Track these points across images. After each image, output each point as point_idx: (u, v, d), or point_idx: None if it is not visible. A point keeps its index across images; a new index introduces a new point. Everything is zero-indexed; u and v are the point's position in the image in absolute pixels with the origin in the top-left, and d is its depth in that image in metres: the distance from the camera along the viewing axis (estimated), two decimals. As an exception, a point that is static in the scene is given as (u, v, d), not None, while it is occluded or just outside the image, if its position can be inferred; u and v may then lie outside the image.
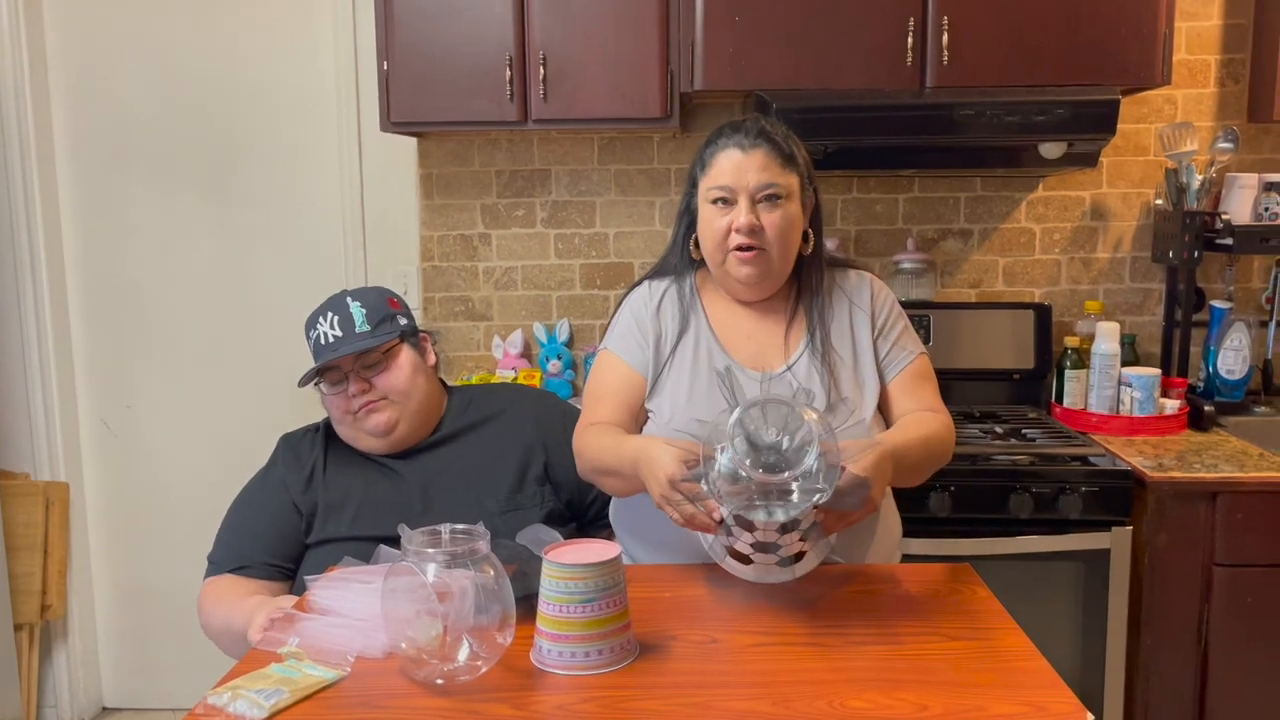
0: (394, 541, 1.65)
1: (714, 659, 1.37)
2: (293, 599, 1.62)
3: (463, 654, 1.30)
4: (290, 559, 1.86)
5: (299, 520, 1.86)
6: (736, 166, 1.66)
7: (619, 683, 1.30)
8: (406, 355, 1.93)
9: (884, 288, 1.81)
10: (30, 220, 3.03)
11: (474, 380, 2.91)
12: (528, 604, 1.37)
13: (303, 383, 1.91)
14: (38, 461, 3.10)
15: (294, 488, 1.89)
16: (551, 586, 1.32)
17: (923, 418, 1.69)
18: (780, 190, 1.66)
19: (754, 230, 1.64)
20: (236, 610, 1.68)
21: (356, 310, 1.89)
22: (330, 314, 1.90)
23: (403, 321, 1.95)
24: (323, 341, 1.89)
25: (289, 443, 1.99)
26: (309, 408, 2.21)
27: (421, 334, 2.00)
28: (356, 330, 1.88)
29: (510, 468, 1.91)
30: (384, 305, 1.93)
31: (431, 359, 2.01)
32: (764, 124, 1.70)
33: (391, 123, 2.64)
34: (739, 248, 1.66)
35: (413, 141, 2.97)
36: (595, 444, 1.68)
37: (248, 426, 3.07)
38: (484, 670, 1.31)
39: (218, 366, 3.15)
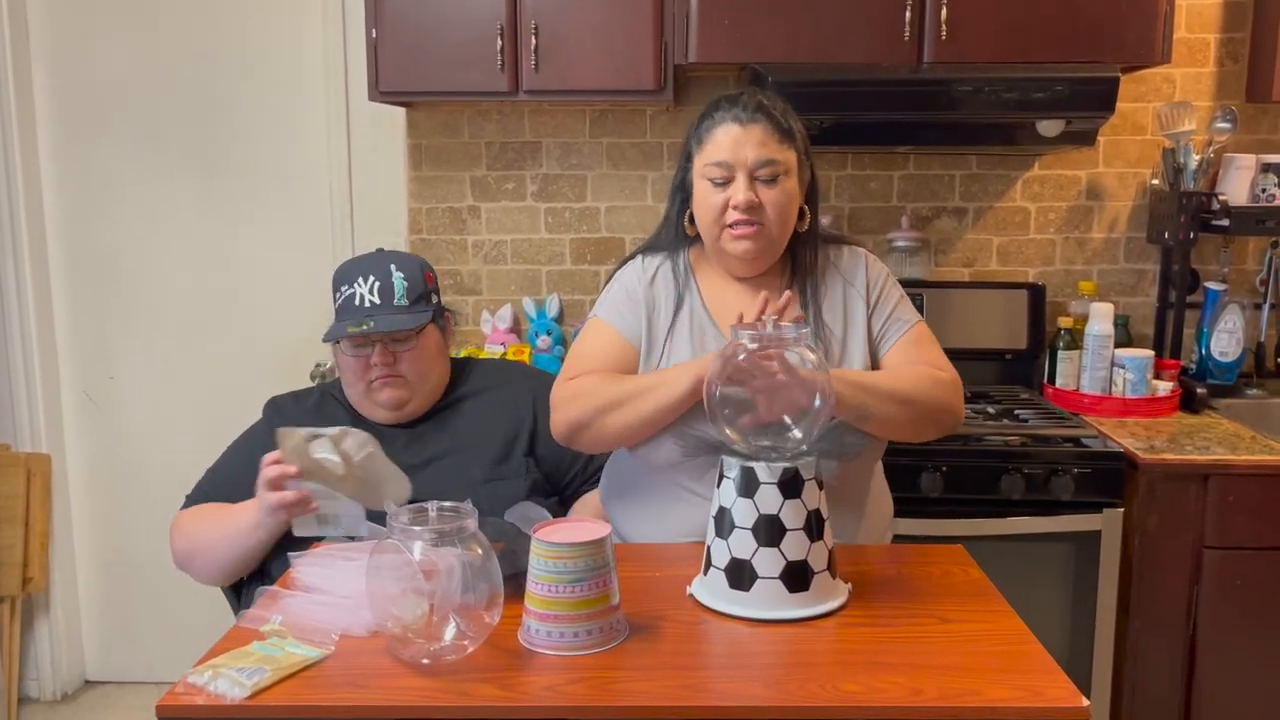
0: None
1: (705, 640, 1.35)
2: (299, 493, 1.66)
3: (449, 633, 1.28)
4: None
5: None
6: (735, 141, 1.62)
7: (608, 663, 1.28)
8: (433, 337, 1.92)
9: (878, 263, 1.78)
10: (11, 190, 2.97)
11: (462, 354, 2.88)
12: (515, 582, 1.35)
13: (329, 338, 1.88)
14: (19, 433, 3.07)
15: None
16: (540, 565, 1.30)
17: (904, 369, 1.66)
18: (779, 167, 1.62)
19: (752, 207, 1.61)
20: (234, 513, 1.71)
21: (399, 281, 1.87)
22: (372, 277, 1.87)
23: (435, 300, 1.94)
24: (358, 303, 1.86)
25: (275, 405, 1.98)
26: (293, 379, 2.19)
27: (445, 312, 2.00)
28: (395, 302, 1.86)
29: (498, 438, 1.91)
30: (423, 280, 1.91)
31: (450, 339, 2.01)
32: (761, 98, 1.66)
33: (380, 92, 2.60)
34: (736, 224, 1.62)
35: (401, 112, 2.93)
36: (596, 385, 1.62)
37: (231, 399, 3.03)
38: (471, 650, 1.28)
39: (201, 338, 3.11)
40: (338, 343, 1.90)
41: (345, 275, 1.90)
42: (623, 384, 1.61)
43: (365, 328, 1.83)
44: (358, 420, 1.93)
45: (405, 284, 1.87)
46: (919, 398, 1.62)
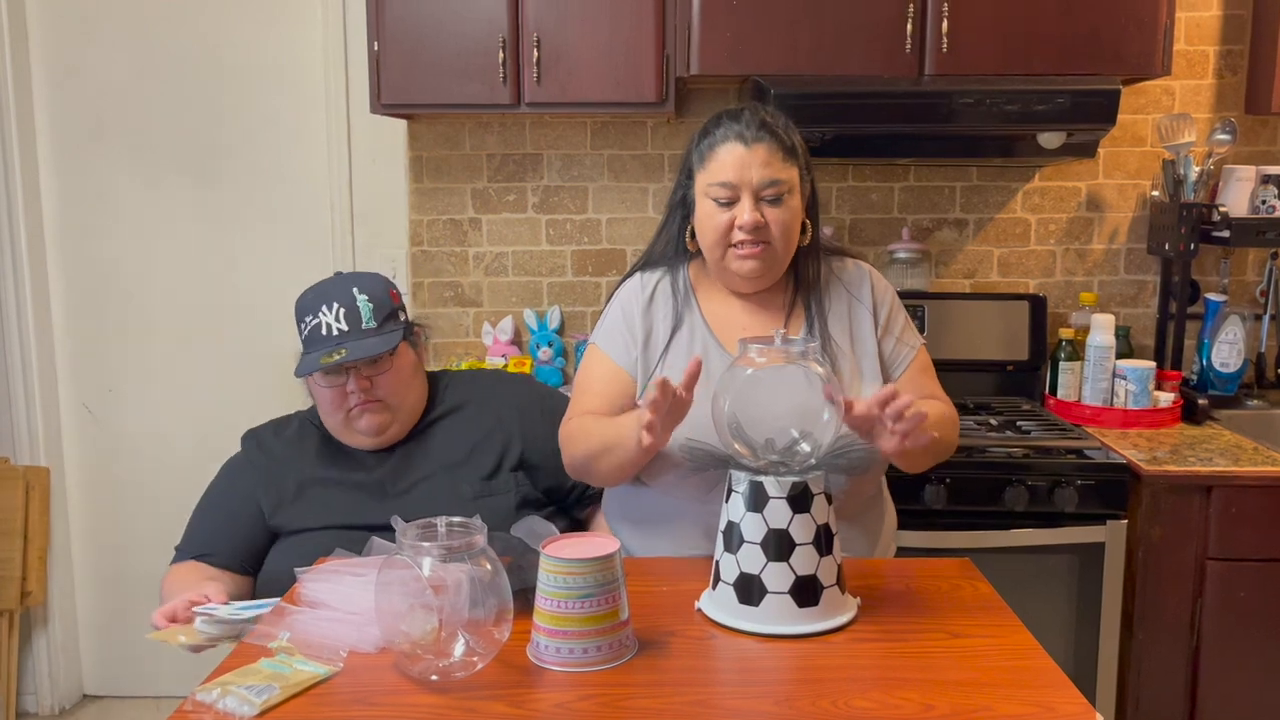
0: (371, 530, 1.63)
1: (714, 655, 1.35)
2: (216, 585, 1.60)
3: (458, 649, 1.27)
4: (253, 554, 1.83)
5: (261, 516, 1.82)
6: (739, 162, 1.60)
7: (618, 680, 1.27)
8: (406, 355, 1.88)
9: (882, 279, 1.78)
10: (11, 201, 2.97)
11: (463, 366, 2.88)
12: (523, 597, 1.34)
13: (301, 373, 1.83)
14: (18, 445, 3.05)
15: (259, 482, 1.85)
16: (549, 581, 1.30)
17: (934, 406, 1.66)
18: (784, 186, 1.61)
19: (758, 227, 1.60)
20: (188, 585, 1.65)
21: (364, 304, 1.81)
22: (335, 304, 1.81)
23: (402, 317, 1.89)
24: (324, 332, 1.80)
25: (254, 438, 1.94)
26: (292, 393, 2.16)
27: (415, 327, 1.96)
28: (362, 326, 1.80)
29: (486, 455, 1.87)
30: (388, 299, 1.86)
31: (424, 354, 1.98)
32: (764, 115, 1.65)
33: (381, 104, 2.60)
34: (741, 243, 1.61)
35: (403, 124, 2.92)
36: (585, 430, 1.64)
37: (231, 411, 3.00)
38: (480, 666, 1.28)
39: (201, 350, 3.10)
40: (309, 375, 1.84)
41: (307, 306, 1.84)
42: (600, 433, 1.60)
43: (338, 357, 1.76)
44: (339, 448, 1.88)
45: (370, 306, 1.82)
46: (944, 439, 1.64)
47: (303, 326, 1.85)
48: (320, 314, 1.81)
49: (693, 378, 1.43)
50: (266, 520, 1.82)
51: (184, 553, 1.84)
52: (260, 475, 1.86)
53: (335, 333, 1.79)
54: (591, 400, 1.69)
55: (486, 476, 1.85)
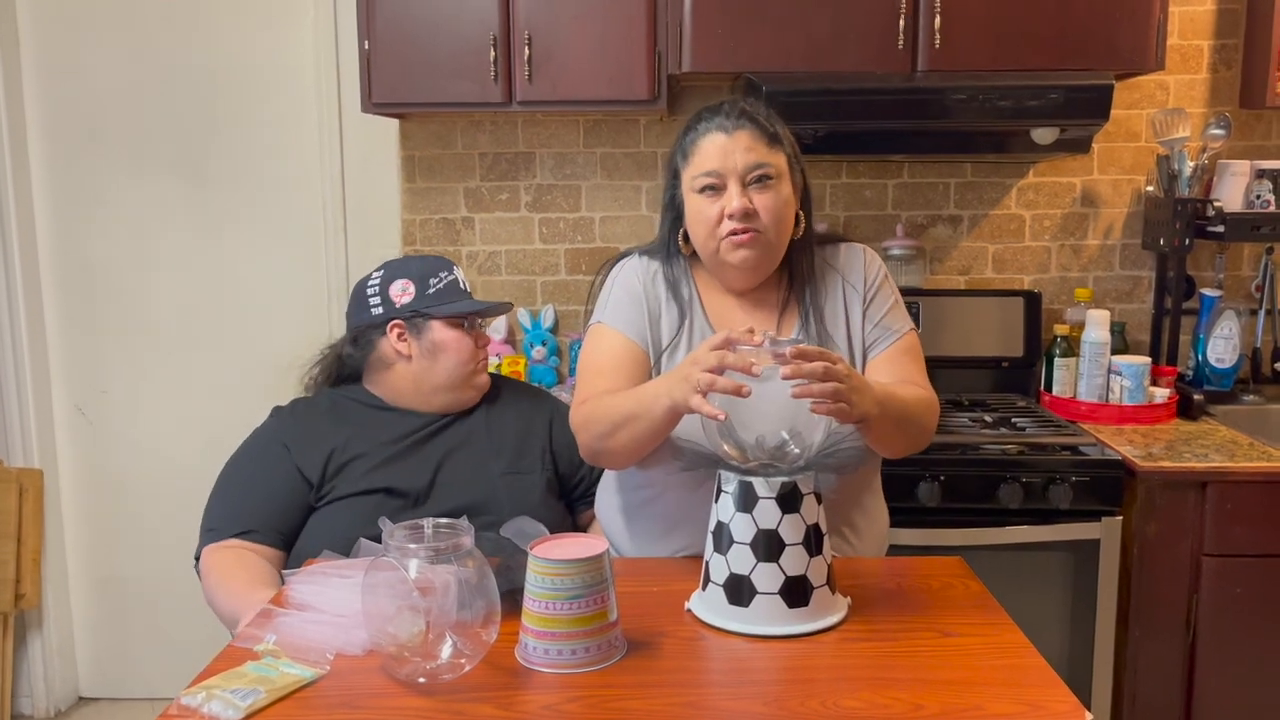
0: (402, 496, 1.70)
1: (703, 656, 1.34)
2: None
3: (446, 651, 1.27)
4: (293, 528, 1.81)
5: (304, 487, 1.81)
6: (721, 149, 1.58)
7: (607, 681, 1.27)
8: None
9: (875, 258, 1.74)
10: (2, 202, 2.95)
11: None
12: (512, 599, 1.34)
13: (469, 310, 1.94)
14: (11, 447, 3.04)
15: (299, 451, 1.84)
16: (537, 582, 1.29)
17: (903, 386, 1.61)
18: (770, 170, 1.59)
19: (748, 214, 1.57)
20: (245, 603, 1.60)
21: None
22: (455, 267, 1.99)
23: None
24: (462, 287, 1.97)
25: (288, 410, 1.96)
26: (287, 392, 2.16)
27: None
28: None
29: (517, 435, 1.95)
30: None
31: None
32: (744, 105, 1.63)
33: (373, 103, 2.59)
34: (733, 232, 1.59)
35: (394, 123, 2.91)
36: (606, 404, 1.56)
37: (226, 412, 3.01)
38: (468, 668, 1.27)
39: (195, 351, 3.09)
40: (462, 322, 1.93)
41: (430, 268, 1.96)
42: (616, 407, 1.54)
43: (497, 303, 2.02)
44: (380, 420, 1.92)
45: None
46: (917, 422, 1.60)
47: (433, 282, 1.95)
48: (453, 271, 1.98)
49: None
50: (312, 490, 1.81)
51: (221, 531, 1.78)
52: (299, 446, 1.85)
53: (467, 288, 1.98)
54: (605, 380, 1.62)
55: (516, 455, 1.91)
